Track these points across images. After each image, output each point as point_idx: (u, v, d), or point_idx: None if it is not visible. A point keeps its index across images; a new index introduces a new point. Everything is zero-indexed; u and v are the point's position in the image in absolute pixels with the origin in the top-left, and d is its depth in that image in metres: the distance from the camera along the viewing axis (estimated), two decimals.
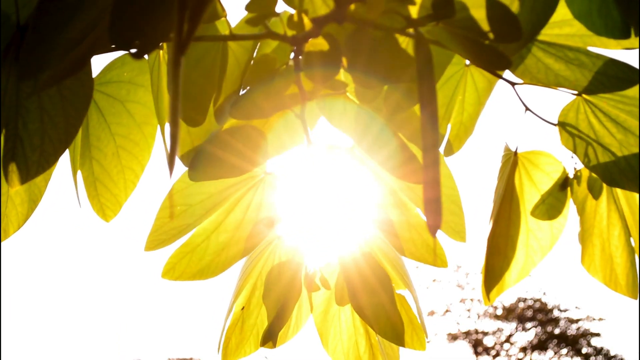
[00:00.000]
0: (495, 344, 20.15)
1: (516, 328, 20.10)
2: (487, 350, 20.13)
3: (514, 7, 0.78)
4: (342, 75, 0.92)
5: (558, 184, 1.00)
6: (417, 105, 0.89)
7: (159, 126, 0.97)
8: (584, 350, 19.54)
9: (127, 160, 1.02)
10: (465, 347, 20.26)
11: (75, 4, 0.68)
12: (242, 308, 1.07)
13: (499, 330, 20.19)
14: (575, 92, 0.90)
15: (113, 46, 0.68)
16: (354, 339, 1.14)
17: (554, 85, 0.89)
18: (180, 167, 0.98)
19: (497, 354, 20.01)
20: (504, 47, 0.80)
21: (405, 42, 0.83)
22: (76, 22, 0.70)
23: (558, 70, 0.88)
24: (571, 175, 1.00)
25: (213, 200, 1.02)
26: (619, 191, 1.01)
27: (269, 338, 1.04)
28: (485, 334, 20.14)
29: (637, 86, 0.87)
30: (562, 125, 0.93)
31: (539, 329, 20.02)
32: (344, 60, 0.80)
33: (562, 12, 0.86)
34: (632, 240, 1.01)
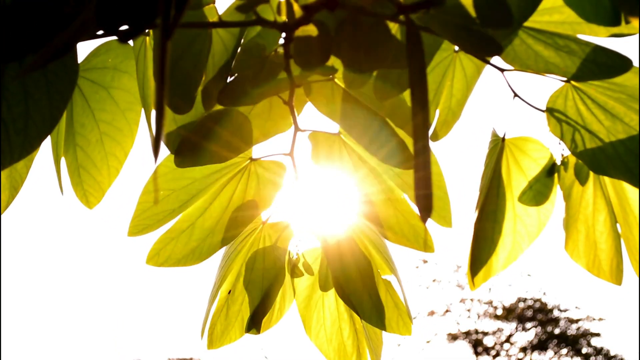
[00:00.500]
0: (495, 344, 20.25)
1: (516, 328, 20.20)
2: (487, 350, 20.23)
3: None
4: (331, 60, 0.91)
5: (545, 170, 1.00)
6: (406, 91, 0.89)
7: (143, 112, 0.96)
8: (584, 350, 19.66)
9: (110, 147, 1.01)
10: (465, 347, 20.32)
11: None
12: (229, 292, 1.07)
13: (499, 330, 20.27)
14: (564, 79, 0.90)
15: (99, 32, 0.67)
16: (337, 324, 1.14)
17: (544, 72, 0.89)
18: (163, 151, 0.97)
19: (497, 354, 20.12)
20: (492, 33, 0.80)
21: (395, 29, 0.82)
22: (62, 4, 0.68)
23: (548, 57, 0.88)
24: (558, 162, 1.00)
25: (197, 186, 1.01)
26: (606, 177, 1.02)
27: (253, 325, 1.04)
28: (485, 334, 20.21)
29: (626, 73, 0.87)
30: (550, 111, 0.93)
31: (539, 329, 20.13)
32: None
33: None
34: (618, 226, 1.02)
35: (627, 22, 0.79)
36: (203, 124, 0.92)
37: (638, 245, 1.00)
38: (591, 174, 1.00)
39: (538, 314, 20.03)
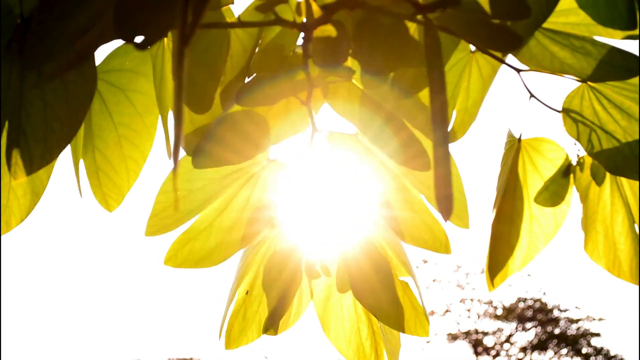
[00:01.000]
0: (495, 344, 20.20)
1: (516, 328, 20.14)
2: (487, 350, 20.17)
3: None
4: (349, 62, 0.91)
5: (561, 171, 1.00)
6: (423, 91, 0.90)
7: (160, 115, 0.96)
8: (584, 350, 19.58)
9: (129, 150, 1.01)
10: (465, 347, 20.28)
11: None
12: (247, 292, 1.07)
13: (499, 330, 20.22)
14: (580, 80, 0.91)
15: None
16: (356, 326, 1.14)
17: (559, 73, 0.89)
18: (180, 152, 0.97)
19: (497, 354, 20.07)
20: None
21: (413, 28, 0.82)
22: (81, 13, 0.69)
23: (563, 57, 0.88)
24: (574, 162, 1.00)
25: (215, 187, 1.02)
26: (622, 178, 1.01)
27: (271, 325, 1.04)
28: (485, 334, 20.17)
29: None
30: (566, 111, 0.94)
31: (539, 329, 20.07)
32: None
33: (568, 0, 0.86)
34: (636, 226, 1.02)
35: None
36: (220, 125, 0.92)
37: None
38: (608, 174, 1.00)
39: (538, 314, 19.98)
